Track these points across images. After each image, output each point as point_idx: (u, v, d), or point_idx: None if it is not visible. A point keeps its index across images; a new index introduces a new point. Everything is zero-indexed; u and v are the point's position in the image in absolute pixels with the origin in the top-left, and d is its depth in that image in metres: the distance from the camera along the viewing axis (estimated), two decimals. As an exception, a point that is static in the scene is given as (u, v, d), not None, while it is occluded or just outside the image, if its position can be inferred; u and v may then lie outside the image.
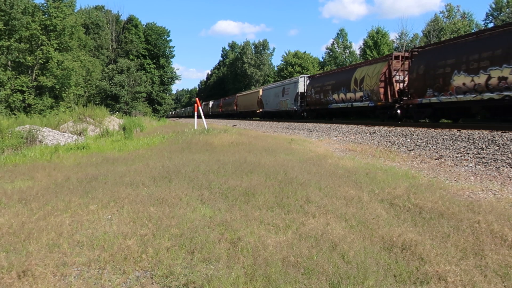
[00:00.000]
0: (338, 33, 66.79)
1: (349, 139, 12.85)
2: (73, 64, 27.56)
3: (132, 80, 42.63)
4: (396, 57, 19.02)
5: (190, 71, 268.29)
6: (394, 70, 18.73)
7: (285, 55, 71.26)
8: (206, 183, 5.26)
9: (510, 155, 7.43)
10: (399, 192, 4.82)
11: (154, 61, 55.64)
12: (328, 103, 24.85)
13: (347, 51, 64.92)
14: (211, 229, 3.47)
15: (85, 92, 35.55)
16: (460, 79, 13.83)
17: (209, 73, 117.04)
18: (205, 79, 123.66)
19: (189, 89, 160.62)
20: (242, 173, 5.97)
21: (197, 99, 19.16)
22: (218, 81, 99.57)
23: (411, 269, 2.70)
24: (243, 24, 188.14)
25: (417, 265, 2.77)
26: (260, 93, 40.71)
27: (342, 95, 23.28)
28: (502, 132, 9.72)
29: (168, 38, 57.72)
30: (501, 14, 39.35)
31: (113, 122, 23.24)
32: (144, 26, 55.95)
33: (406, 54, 18.53)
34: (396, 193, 4.77)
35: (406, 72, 18.09)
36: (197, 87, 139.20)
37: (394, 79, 18.69)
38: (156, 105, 55.33)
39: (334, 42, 65.82)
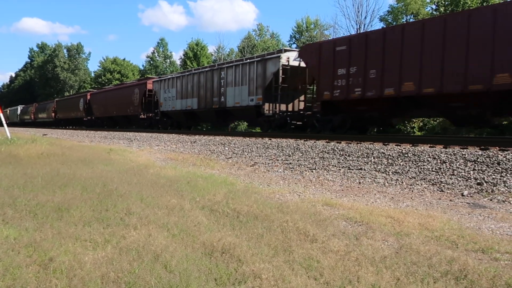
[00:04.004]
0: (158, 42, 66.53)
1: (171, 148, 12.92)
2: None
3: None
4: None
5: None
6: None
7: (103, 60, 67.65)
8: (9, 200, 4.60)
9: (310, 161, 8.55)
10: (219, 198, 5.05)
11: None
12: (37, 118, 51.32)
13: (168, 60, 65.25)
14: (16, 252, 3.04)
15: None
16: (61, 113, 44.06)
17: (13, 75, 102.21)
18: (8, 82, 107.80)
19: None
20: (54, 187, 5.43)
21: None
22: (25, 85, 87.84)
23: (230, 271, 2.85)
24: (53, 24, 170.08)
25: (236, 266, 2.93)
26: (18, 111, 62.60)
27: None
28: (304, 141, 11.11)
29: (-44, 31, 48.83)
30: (302, 37, 45.35)
31: None
32: None
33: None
34: (216, 199, 4.99)
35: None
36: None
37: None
38: None
39: (155, 50, 65.45)
